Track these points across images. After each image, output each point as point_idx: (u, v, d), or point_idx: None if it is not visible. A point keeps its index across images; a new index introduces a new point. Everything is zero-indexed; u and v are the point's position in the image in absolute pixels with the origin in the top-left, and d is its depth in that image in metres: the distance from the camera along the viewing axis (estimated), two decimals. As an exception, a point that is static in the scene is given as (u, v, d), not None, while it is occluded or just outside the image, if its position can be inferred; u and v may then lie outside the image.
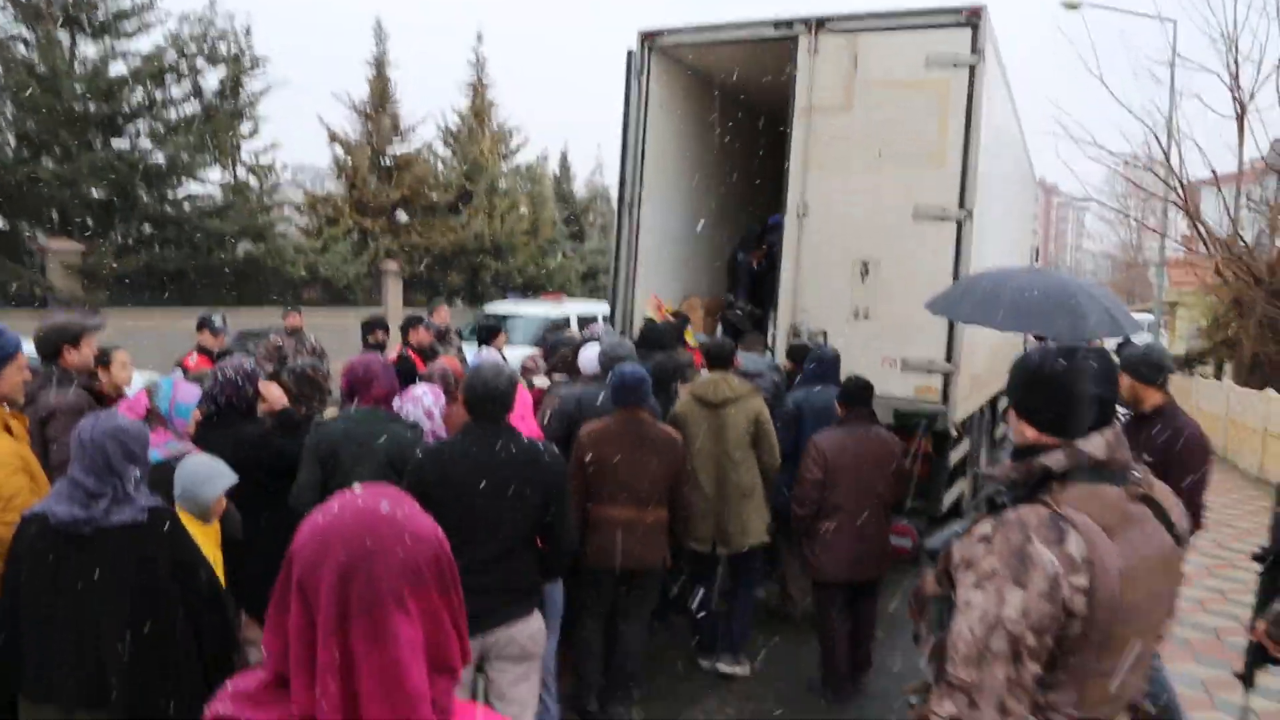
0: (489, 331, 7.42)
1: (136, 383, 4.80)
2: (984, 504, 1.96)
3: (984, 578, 1.76)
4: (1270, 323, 13.77)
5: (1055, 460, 1.84)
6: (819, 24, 6.81)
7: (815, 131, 6.79)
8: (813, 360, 5.92)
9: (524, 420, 4.22)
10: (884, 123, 6.56)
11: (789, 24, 6.93)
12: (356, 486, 1.26)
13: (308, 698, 1.14)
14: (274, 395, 4.32)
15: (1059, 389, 1.89)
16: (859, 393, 5.07)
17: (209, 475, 3.25)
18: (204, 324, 6.99)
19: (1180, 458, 3.90)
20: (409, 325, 8.02)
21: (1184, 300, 20.55)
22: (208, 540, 3.19)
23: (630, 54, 7.61)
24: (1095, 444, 1.83)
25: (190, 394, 3.66)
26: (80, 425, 2.76)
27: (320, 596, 1.13)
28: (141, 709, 2.63)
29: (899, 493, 5.11)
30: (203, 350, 6.83)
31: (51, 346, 4.25)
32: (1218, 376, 17.15)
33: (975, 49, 6.28)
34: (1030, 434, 1.94)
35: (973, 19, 6.29)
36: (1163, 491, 1.94)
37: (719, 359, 5.45)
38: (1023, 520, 1.77)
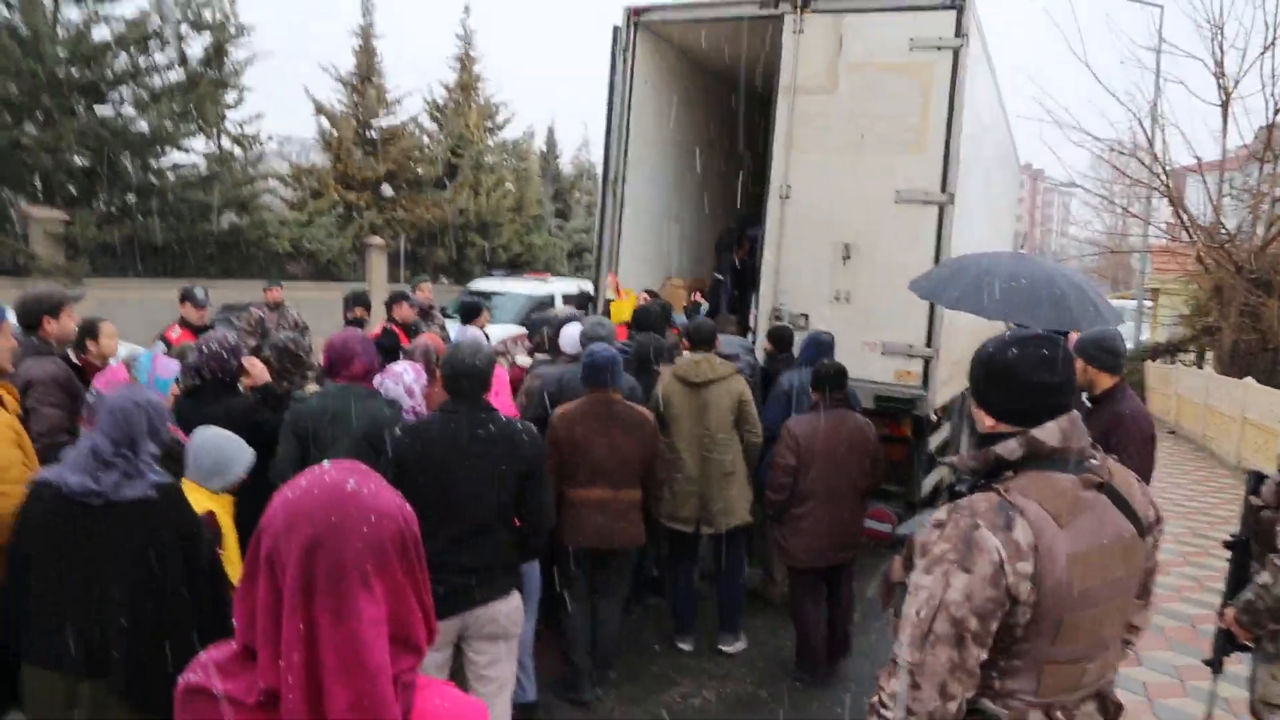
0: (472, 310, 7.41)
1: (121, 355, 4.80)
2: (946, 493, 2.00)
3: (933, 562, 1.79)
4: (1250, 311, 13.89)
5: (1008, 449, 1.87)
6: (804, 3, 6.78)
7: (799, 112, 6.78)
8: (811, 343, 5.94)
9: (498, 397, 4.22)
10: (867, 105, 6.56)
11: (775, 3, 6.90)
12: (325, 463, 1.28)
13: (273, 670, 1.16)
14: (257, 370, 4.32)
15: (1010, 378, 1.91)
16: (833, 377, 5.08)
17: (238, 451, 3.29)
18: (187, 297, 6.89)
19: (1120, 441, 3.94)
20: (393, 301, 7.99)
21: (1166, 288, 20.67)
22: (223, 512, 3.23)
23: (616, 30, 7.57)
24: (1049, 431, 1.86)
25: (169, 368, 3.67)
26: (110, 393, 2.83)
27: (286, 570, 1.15)
28: (140, 680, 2.66)
29: (875, 478, 5.11)
30: (185, 323, 6.75)
31: (32, 316, 4.22)
32: (1199, 364, 17.30)
33: (959, 32, 6.27)
34: (988, 423, 1.97)
35: (957, 2, 6.29)
36: (1124, 480, 1.96)
37: (701, 340, 5.47)
38: (973, 507, 1.80)
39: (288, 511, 1.18)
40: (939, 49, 6.34)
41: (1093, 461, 1.91)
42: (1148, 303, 24.04)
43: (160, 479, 2.77)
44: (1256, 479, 3.42)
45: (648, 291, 7.50)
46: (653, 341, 5.69)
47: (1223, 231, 14.88)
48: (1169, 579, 7.16)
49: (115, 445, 2.69)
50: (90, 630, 2.66)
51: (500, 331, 9.79)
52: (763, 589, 6.27)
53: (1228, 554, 3.53)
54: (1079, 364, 4.20)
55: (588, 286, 12.64)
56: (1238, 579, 3.41)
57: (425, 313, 9.07)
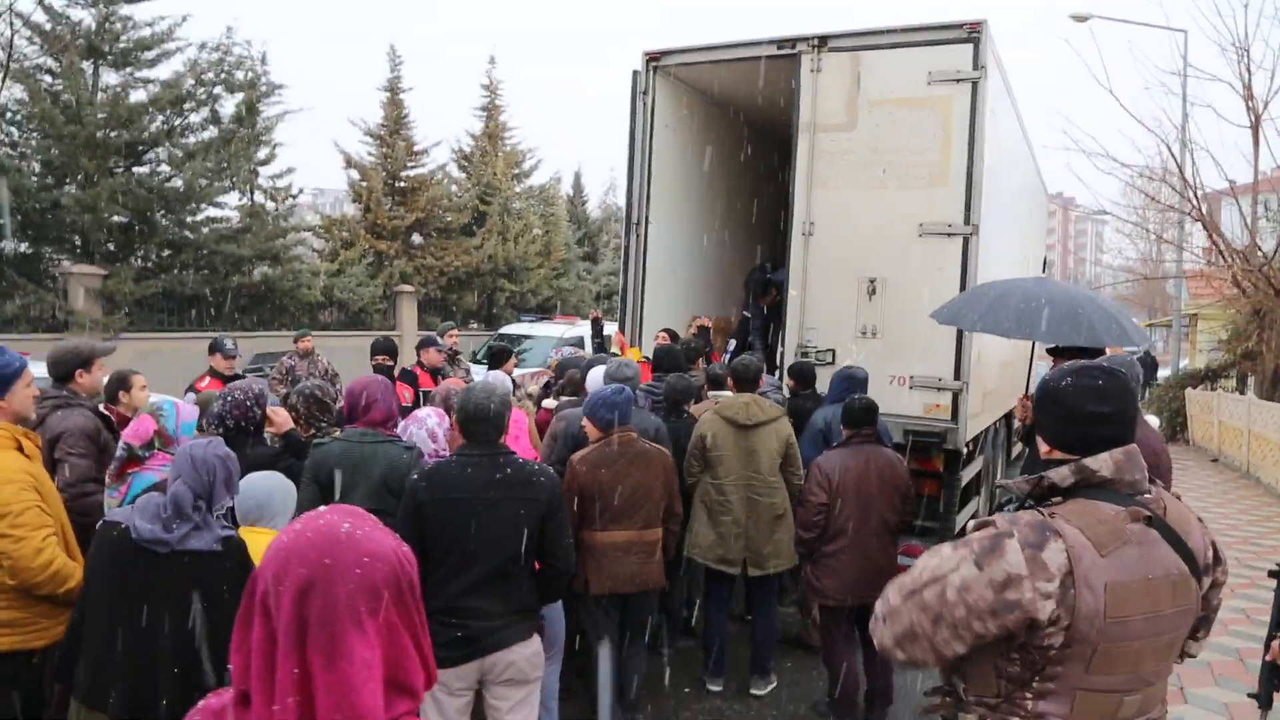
0: (500, 355, 7.44)
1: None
2: (996, 510, 2.04)
3: (961, 545, 1.86)
4: (1290, 335, 13.61)
5: (1060, 475, 1.90)
6: (821, 42, 6.83)
7: (819, 149, 6.80)
8: (842, 379, 5.89)
9: (517, 441, 4.22)
10: (888, 139, 6.57)
11: (791, 43, 6.96)
12: (322, 507, 1.29)
13: (266, 714, 1.16)
14: (280, 418, 4.35)
15: (1063, 406, 1.94)
16: (862, 414, 5.02)
17: (282, 491, 3.31)
18: (216, 347, 7.04)
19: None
20: (422, 346, 8.29)
21: (1204, 313, 20.35)
22: None
23: (635, 74, 7.67)
24: (1101, 461, 1.87)
25: (190, 414, 3.72)
26: (193, 444, 2.91)
27: (280, 613, 1.15)
28: None
29: (906, 515, 5.02)
30: (214, 373, 6.86)
31: (64, 369, 4.31)
32: (1240, 390, 16.96)
33: (977, 64, 6.28)
34: (1044, 449, 2.01)
35: (974, 34, 6.30)
36: (1182, 517, 1.94)
37: (745, 380, 5.43)
38: (1015, 519, 1.84)
39: (282, 554, 1.18)
40: (957, 82, 6.35)
41: (1146, 495, 1.91)
42: (1185, 328, 23.68)
43: (226, 532, 2.82)
44: None
45: (666, 331, 7.47)
46: (681, 383, 5.66)
47: (1259, 254, 14.65)
48: (1216, 611, 6.95)
49: (196, 496, 2.76)
50: (141, 675, 2.70)
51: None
52: (805, 633, 6.16)
53: (1274, 584, 3.43)
54: None
55: (613, 328, 12.67)
56: None
57: (452, 358, 9.22)
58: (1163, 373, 20.79)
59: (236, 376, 6.93)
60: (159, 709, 2.67)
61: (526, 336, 14.58)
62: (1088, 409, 1.90)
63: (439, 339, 8.86)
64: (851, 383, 5.81)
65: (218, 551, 2.76)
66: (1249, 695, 3.46)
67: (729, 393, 5.61)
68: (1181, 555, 1.88)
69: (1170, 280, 21.60)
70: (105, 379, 4.51)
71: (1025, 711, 1.84)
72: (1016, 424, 5.58)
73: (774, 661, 5.51)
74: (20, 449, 3.42)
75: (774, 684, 5.43)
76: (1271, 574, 3.45)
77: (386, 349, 7.84)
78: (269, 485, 3.30)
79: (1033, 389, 5.68)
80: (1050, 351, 5.07)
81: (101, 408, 4.50)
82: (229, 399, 4.05)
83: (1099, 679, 1.80)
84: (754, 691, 5.35)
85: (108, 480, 3.62)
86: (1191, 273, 19.03)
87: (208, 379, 6.75)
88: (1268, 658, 3.30)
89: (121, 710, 2.70)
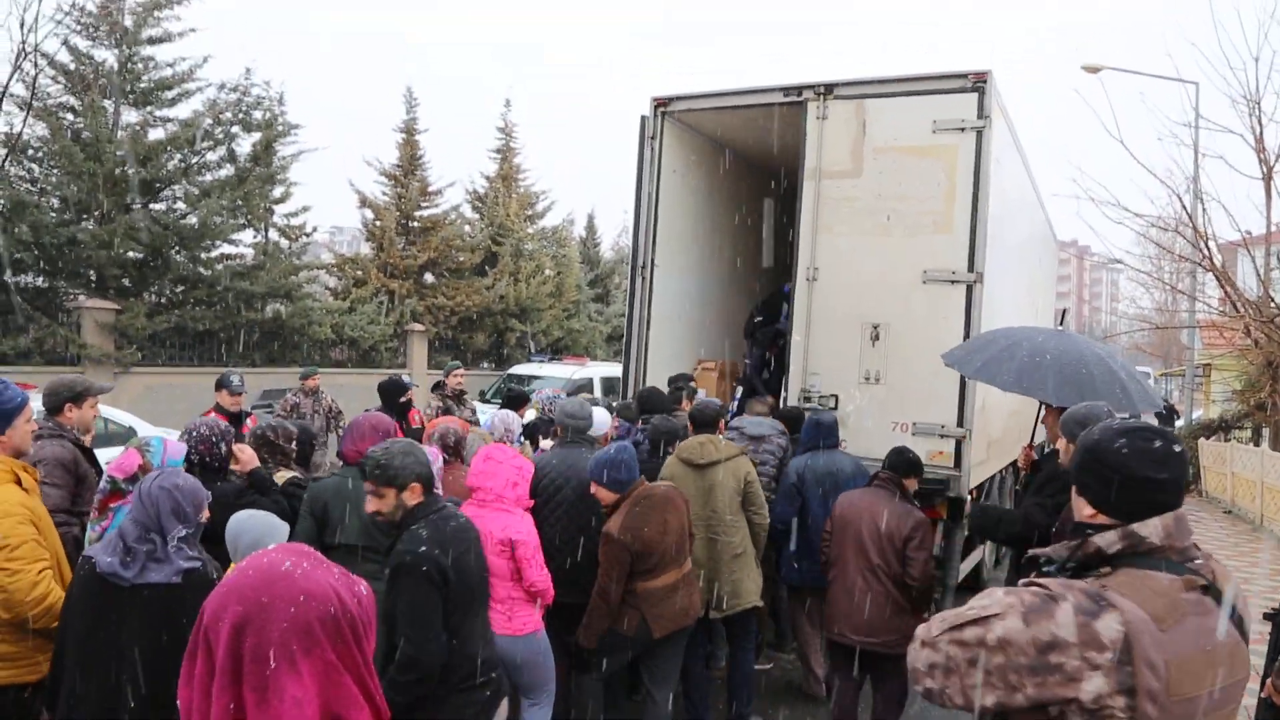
0: (517, 399, 7.41)
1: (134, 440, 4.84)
2: (1034, 570, 1.94)
3: (1012, 594, 1.75)
4: (1304, 387, 13.51)
5: (1107, 541, 1.79)
6: (827, 90, 6.90)
7: (825, 196, 6.84)
8: (810, 426, 5.87)
9: (516, 487, 4.20)
10: (893, 187, 6.61)
11: (798, 90, 7.03)
12: (271, 545, 1.28)
13: None
14: (246, 456, 4.34)
15: (1116, 470, 1.82)
16: (894, 462, 5.02)
17: (284, 530, 3.32)
18: (223, 383, 7.02)
19: (1060, 530, 3.84)
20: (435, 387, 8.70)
21: (1217, 363, 20.23)
22: None
23: (643, 119, 7.75)
24: (1152, 528, 1.77)
25: (178, 451, 3.72)
26: (144, 479, 2.93)
27: (218, 649, 1.15)
28: None
29: (911, 574, 4.76)
30: (220, 409, 6.86)
31: (56, 400, 4.34)
32: (1255, 441, 16.79)
33: (982, 114, 6.32)
34: (1086, 511, 1.89)
35: (979, 84, 6.36)
36: (1225, 578, 1.84)
37: (704, 422, 5.46)
38: (1067, 584, 1.74)
39: (222, 591, 1.18)
40: (962, 130, 6.39)
41: (1196, 561, 1.80)
42: (1198, 378, 23.52)
43: (190, 565, 2.81)
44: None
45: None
46: (666, 424, 5.65)
47: (1272, 305, 14.59)
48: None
49: (143, 529, 2.78)
50: (106, 707, 2.72)
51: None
52: (804, 684, 6.08)
53: (1269, 627, 3.51)
54: (1061, 442, 4.04)
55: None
56: (1278, 650, 3.38)
57: (458, 397, 9.25)
58: (1179, 423, 20.64)
59: (243, 413, 6.98)
60: None
61: (536, 377, 14.60)
62: (1144, 475, 1.79)
63: (443, 378, 9.02)
64: (819, 429, 5.81)
65: (176, 585, 2.75)
66: None
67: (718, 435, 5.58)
68: (1234, 622, 1.79)
69: (1184, 330, 21.50)
70: (95, 416, 4.52)
71: None
72: (1023, 474, 5.51)
73: (754, 702, 5.44)
74: (19, 483, 3.46)
75: None
76: (1266, 616, 3.51)
77: (395, 388, 7.94)
78: (262, 525, 3.30)
79: (1037, 438, 5.67)
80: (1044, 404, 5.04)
81: (85, 440, 4.49)
82: (194, 434, 4.08)
83: None
84: None
85: (92, 514, 3.63)
86: (1204, 323, 18.94)
87: (213, 414, 6.73)
88: (1263, 694, 3.35)
89: None
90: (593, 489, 4.51)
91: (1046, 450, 5.32)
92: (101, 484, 3.66)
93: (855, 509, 4.89)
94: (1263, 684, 3.38)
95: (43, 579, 3.21)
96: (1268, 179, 14.32)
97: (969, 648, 1.71)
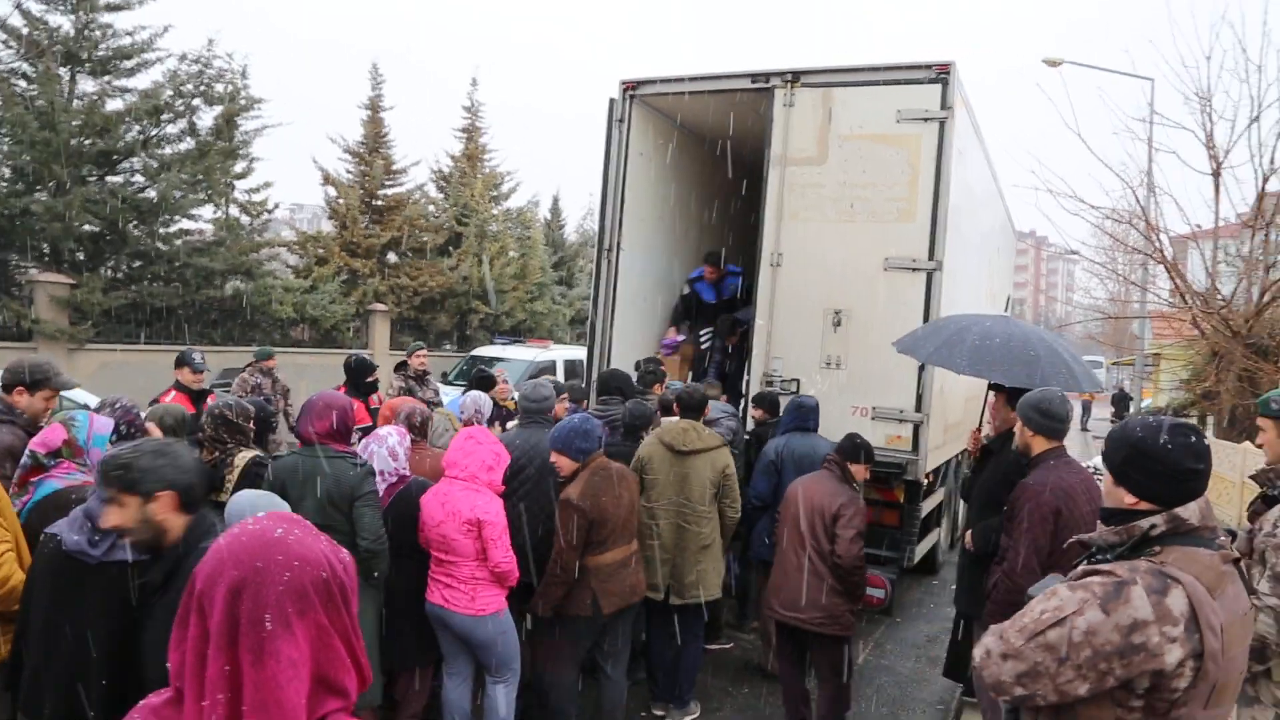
0: (486, 381, 7.42)
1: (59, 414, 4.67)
2: (1085, 558, 2.11)
3: (1079, 588, 1.92)
4: (1248, 376, 13.87)
5: (1153, 524, 1.99)
6: (794, 78, 6.97)
7: (790, 182, 6.92)
8: (793, 408, 5.97)
9: (493, 470, 4.26)
10: (857, 174, 6.70)
11: (765, 77, 7.09)
12: (260, 513, 1.33)
13: (197, 709, 1.20)
14: (153, 432, 4.30)
15: (1166, 465, 2.01)
16: (841, 446, 5.08)
17: (282, 507, 3.30)
18: (184, 361, 6.83)
19: (1011, 510, 4.02)
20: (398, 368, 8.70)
21: (1166, 353, 20.71)
22: None
23: (612, 102, 7.76)
24: (1191, 511, 2.00)
25: (104, 426, 3.66)
26: (103, 457, 2.83)
27: (213, 612, 1.19)
28: None
29: (843, 554, 4.72)
30: (180, 388, 6.73)
31: (10, 379, 4.18)
32: (1202, 429, 17.23)
33: (945, 105, 6.43)
34: (1129, 500, 2.07)
35: (942, 75, 6.46)
36: (1240, 557, 2.11)
37: (691, 407, 5.46)
38: (1133, 566, 1.92)
39: (217, 556, 1.23)
40: (925, 120, 6.50)
41: (1221, 538, 2.03)
42: (1148, 367, 24.06)
43: None
44: (1227, 534, 3.47)
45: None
46: (639, 408, 5.71)
47: (1219, 298, 14.95)
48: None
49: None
50: (71, 685, 2.70)
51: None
52: (762, 658, 6.20)
53: None
54: (1018, 425, 4.19)
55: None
56: None
57: (420, 378, 9.23)
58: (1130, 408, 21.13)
59: (204, 392, 6.90)
60: (86, 716, 2.68)
61: (499, 359, 14.57)
62: (1187, 466, 2.00)
63: (406, 358, 9.04)
64: (801, 411, 5.92)
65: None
66: None
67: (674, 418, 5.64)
68: (1248, 591, 2.05)
69: (1135, 321, 21.98)
70: (50, 411, 4.26)
71: None
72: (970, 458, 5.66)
73: (695, 684, 5.50)
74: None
75: (694, 714, 5.42)
76: None
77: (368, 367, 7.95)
78: (259, 503, 3.30)
79: (985, 426, 5.82)
80: (992, 387, 5.20)
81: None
82: (117, 406, 4.06)
83: (1212, 712, 1.90)
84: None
85: (11, 489, 3.50)
86: (1154, 314, 19.37)
87: (173, 393, 6.65)
88: None
89: (55, 718, 2.72)
90: (553, 457, 4.57)
91: (987, 438, 5.47)
92: (23, 459, 3.54)
93: (797, 489, 4.98)
94: None
95: (5, 561, 3.17)
96: (1217, 174, 14.62)
97: (1055, 649, 1.87)
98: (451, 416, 5.78)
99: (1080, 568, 2.05)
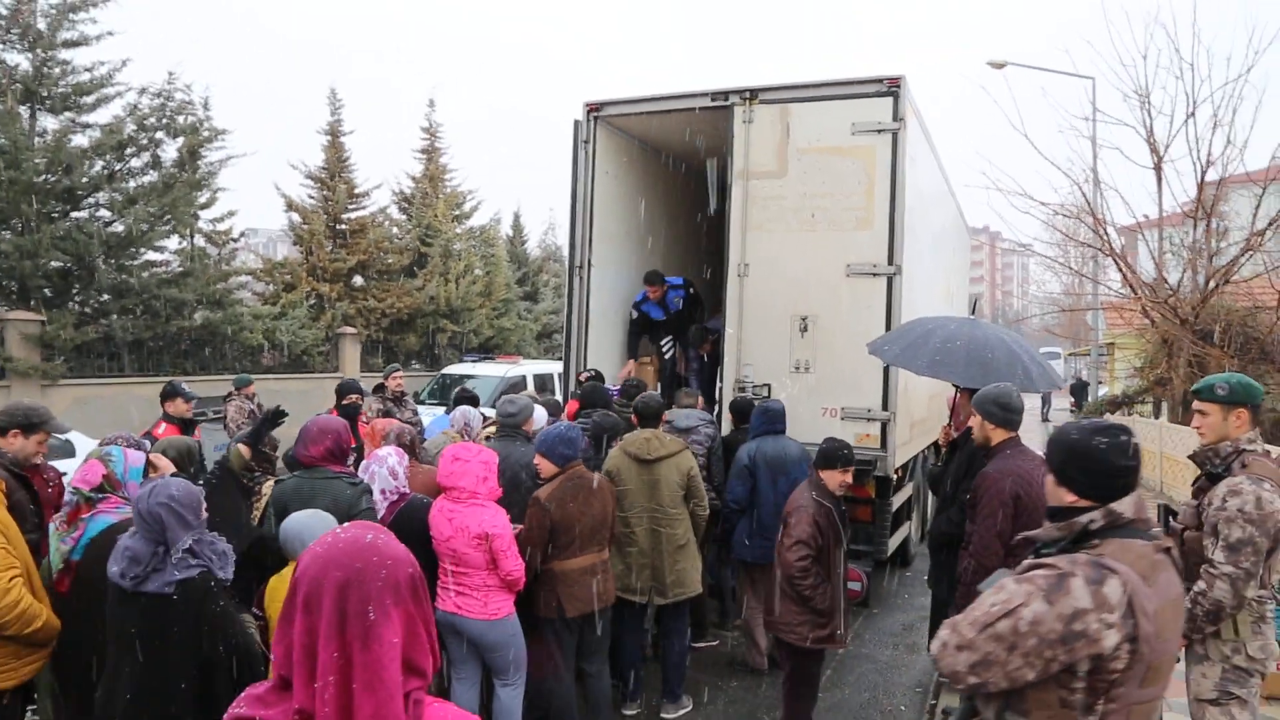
0: (471, 400, 7.60)
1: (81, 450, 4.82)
2: (1030, 553, 2.29)
3: (1025, 581, 2.10)
4: (1197, 361, 14.41)
5: (1092, 519, 2.18)
6: (752, 95, 7.28)
7: (752, 195, 7.22)
8: (760, 413, 6.25)
9: (485, 481, 4.49)
10: (816, 186, 7.01)
11: (725, 95, 7.39)
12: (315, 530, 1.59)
13: (306, 693, 1.44)
14: (163, 465, 4.53)
15: (1099, 464, 2.21)
16: (818, 452, 5.34)
17: (320, 526, 3.49)
18: (175, 392, 6.90)
19: (974, 498, 4.33)
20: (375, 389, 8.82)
21: (1119, 342, 21.34)
22: None
23: (576, 124, 8.03)
24: (1126, 505, 2.18)
25: (137, 459, 3.87)
26: (136, 498, 3.08)
27: (322, 607, 1.44)
28: None
29: (782, 559, 4.81)
30: (170, 419, 6.85)
31: (8, 422, 4.21)
32: (1155, 415, 17.81)
33: (896, 116, 6.77)
34: (1069, 498, 2.26)
35: (893, 89, 6.80)
36: (1174, 546, 2.30)
37: (649, 416, 5.75)
38: (1073, 559, 2.11)
39: (320, 561, 1.48)
40: (879, 132, 6.83)
41: (1155, 529, 2.24)
42: (1103, 357, 24.75)
43: (186, 575, 2.99)
44: (1167, 511, 3.84)
45: (593, 370, 7.78)
46: (608, 420, 5.97)
47: (1166, 287, 15.51)
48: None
49: (151, 544, 2.98)
50: (110, 693, 2.99)
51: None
52: (747, 656, 6.45)
53: None
54: (975, 419, 4.50)
55: (557, 367, 12.90)
56: None
57: (398, 399, 9.43)
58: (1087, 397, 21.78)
59: (192, 422, 7.05)
60: None
61: (469, 376, 14.75)
62: (1120, 464, 2.19)
63: (384, 381, 9.25)
64: (769, 415, 6.18)
65: (168, 595, 2.96)
66: None
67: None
68: (1181, 577, 2.23)
69: (1088, 312, 22.62)
70: (40, 455, 4.32)
71: None
72: (943, 449, 5.98)
73: (685, 679, 5.77)
74: (-10, 496, 3.59)
75: (687, 708, 5.67)
76: None
77: (355, 389, 8.10)
78: (313, 522, 3.53)
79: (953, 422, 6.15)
80: (959, 386, 5.55)
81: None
82: (127, 440, 4.19)
83: (1147, 691, 2.09)
84: (664, 715, 5.60)
85: (58, 528, 3.68)
86: (1107, 304, 19.97)
87: (164, 425, 6.77)
88: None
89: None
90: (536, 459, 4.89)
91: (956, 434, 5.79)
92: (68, 496, 3.72)
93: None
94: None
95: (14, 586, 3.35)
96: (1158, 167, 15.21)
97: (1005, 639, 2.05)
98: (454, 435, 6.00)
99: (1026, 562, 2.23)
